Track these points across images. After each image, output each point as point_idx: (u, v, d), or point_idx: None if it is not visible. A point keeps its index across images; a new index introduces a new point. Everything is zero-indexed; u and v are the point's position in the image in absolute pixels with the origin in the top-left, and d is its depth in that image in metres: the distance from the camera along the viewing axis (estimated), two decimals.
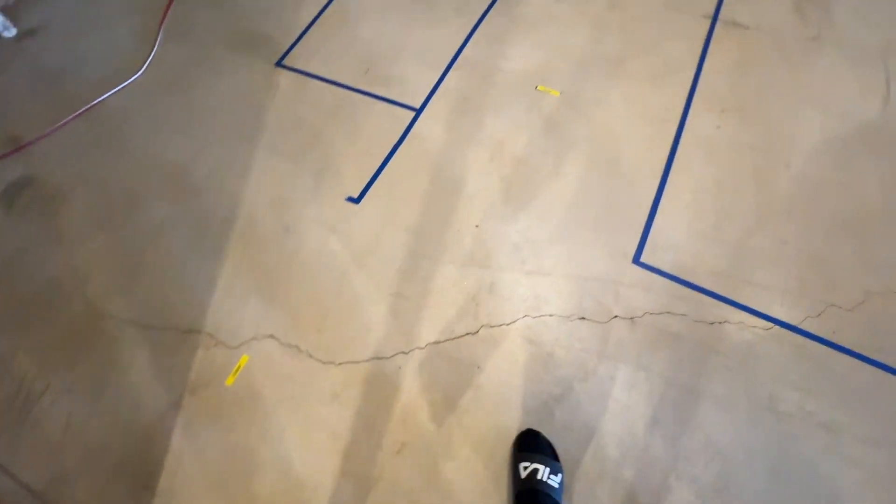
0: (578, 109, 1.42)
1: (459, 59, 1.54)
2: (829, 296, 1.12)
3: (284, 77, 1.56)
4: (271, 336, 1.14)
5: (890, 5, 1.57)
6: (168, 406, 1.08)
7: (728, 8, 1.61)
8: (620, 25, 1.59)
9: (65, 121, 1.52)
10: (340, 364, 1.10)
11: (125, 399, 1.10)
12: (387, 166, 1.36)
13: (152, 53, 1.65)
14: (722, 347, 1.07)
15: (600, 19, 1.61)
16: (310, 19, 1.68)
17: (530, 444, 0.96)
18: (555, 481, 0.91)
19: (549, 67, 1.51)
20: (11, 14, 1.75)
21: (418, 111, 1.45)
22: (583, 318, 1.12)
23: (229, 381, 1.10)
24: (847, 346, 1.06)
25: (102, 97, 1.56)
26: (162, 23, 1.72)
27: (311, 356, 1.12)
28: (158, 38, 1.69)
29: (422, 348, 1.10)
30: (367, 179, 1.34)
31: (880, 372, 1.03)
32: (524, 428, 1.00)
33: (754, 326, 1.09)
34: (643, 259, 1.18)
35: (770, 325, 1.09)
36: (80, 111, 1.53)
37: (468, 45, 1.57)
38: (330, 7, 1.70)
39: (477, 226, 1.25)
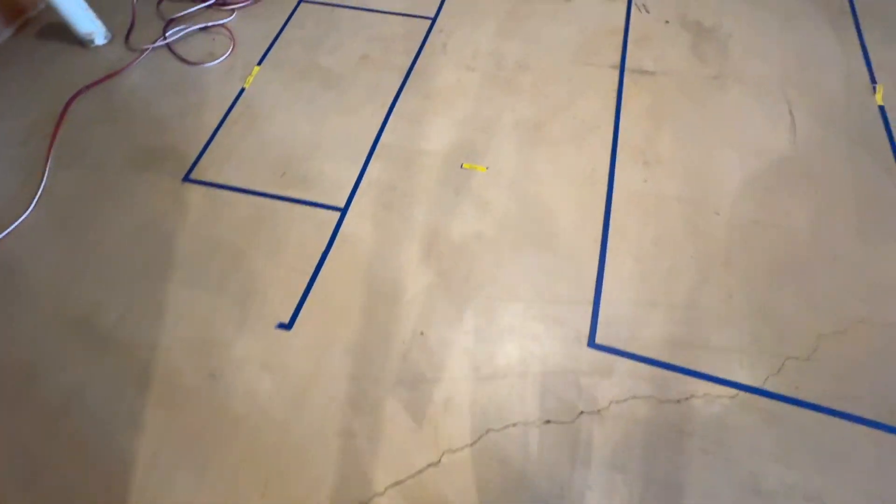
0: (507, 185, 1.39)
1: (378, 147, 1.48)
2: (784, 347, 1.11)
3: (194, 192, 1.44)
4: None
5: (779, 35, 1.66)
6: None
7: (632, 56, 1.64)
8: (533, 86, 1.59)
9: None
10: None
11: None
12: (317, 280, 1.26)
13: (41, 186, 1.48)
14: (694, 428, 1.03)
15: (512, 83, 1.60)
16: (216, 123, 1.58)
17: None
18: None
19: (470, 142, 1.48)
20: None
21: (343, 210, 1.37)
22: (548, 422, 1.05)
23: None
24: (811, 400, 1.04)
25: None
26: (50, 149, 1.56)
27: None
28: (48, 168, 1.53)
29: (381, 494, 0.99)
30: (298, 299, 1.23)
31: (848, 424, 1.02)
32: None
33: (720, 396, 1.06)
34: (598, 340, 1.14)
35: (735, 391, 1.06)
36: None
37: (385, 130, 1.52)
38: (235, 108, 1.61)
39: (422, 333, 1.17)
